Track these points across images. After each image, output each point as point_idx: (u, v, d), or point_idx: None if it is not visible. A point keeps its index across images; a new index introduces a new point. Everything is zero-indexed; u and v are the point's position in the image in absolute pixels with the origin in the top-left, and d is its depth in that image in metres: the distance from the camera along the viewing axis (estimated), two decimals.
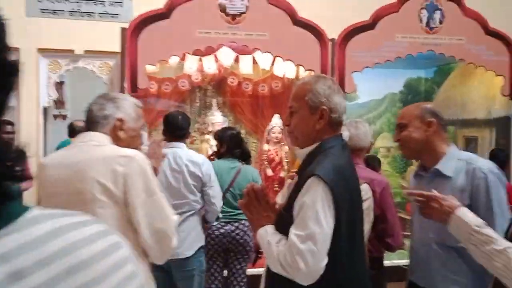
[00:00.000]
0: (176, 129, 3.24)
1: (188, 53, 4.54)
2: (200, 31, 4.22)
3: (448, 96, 6.08)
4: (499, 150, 4.84)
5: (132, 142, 1.84)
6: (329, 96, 1.60)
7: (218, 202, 3.25)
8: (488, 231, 1.52)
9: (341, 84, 4.60)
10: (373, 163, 4.75)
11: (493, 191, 1.84)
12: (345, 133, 2.11)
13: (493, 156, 4.53)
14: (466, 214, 1.60)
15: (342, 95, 1.67)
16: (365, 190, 2.07)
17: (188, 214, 3.20)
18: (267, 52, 4.54)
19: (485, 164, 1.89)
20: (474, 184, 1.85)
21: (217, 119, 5.43)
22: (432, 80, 6.44)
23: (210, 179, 3.21)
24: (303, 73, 5.18)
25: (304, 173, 1.55)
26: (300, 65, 4.65)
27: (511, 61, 4.95)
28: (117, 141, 1.79)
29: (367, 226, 1.98)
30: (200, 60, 5.27)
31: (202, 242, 3.29)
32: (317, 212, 1.44)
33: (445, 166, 1.92)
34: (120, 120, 1.81)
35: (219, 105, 5.81)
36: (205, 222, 3.45)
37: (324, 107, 1.59)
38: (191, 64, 5.26)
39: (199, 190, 3.23)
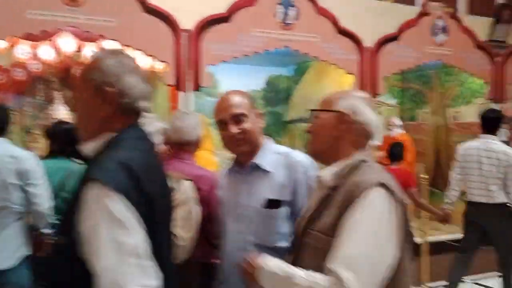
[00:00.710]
0: None
1: (18, 37, 3.95)
2: (32, 12, 3.68)
3: (305, 94, 6.21)
4: (394, 144, 4.80)
5: None
6: (119, 76, 1.28)
7: (42, 201, 2.79)
8: (294, 270, 1.37)
9: (197, 77, 4.38)
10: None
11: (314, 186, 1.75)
12: (156, 124, 1.86)
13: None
14: (269, 262, 1.44)
15: (140, 76, 1.34)
16: (185, 189, 1.83)
17: (8, 219, 2.72)
18: (114, 40, 4.13)
19: (303, 158, 1.79)
20: (295, 179, 1.74)
21: (62, 115, 4.86)
22: (292, 77, 6.54)
23: (33, 175, 2.77)
24: (159, 66, 4.86)
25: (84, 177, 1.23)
26: (152, 55, 4.31)
27: (360, 60, 5.16)
28: None
29: (185, 232, 1.74)
30: (35, 46, 4.65)
31: (25, 252, 2.82)
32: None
33: (264, 160, 1.78)
34: None
35: (65, 98, 5.22)
36: (33, 229, 2.97)
37: (110, 88, 1.28)
38: (23, 50, 4.61)
39: (23, 190, 2.77)
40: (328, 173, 1.49)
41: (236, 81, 6.22)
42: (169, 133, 2.08)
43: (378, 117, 1.54)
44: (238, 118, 1.78)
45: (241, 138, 1.77)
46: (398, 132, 6.73)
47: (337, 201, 1.39)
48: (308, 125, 1.58)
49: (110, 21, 4.04)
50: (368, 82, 5.20)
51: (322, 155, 1.54)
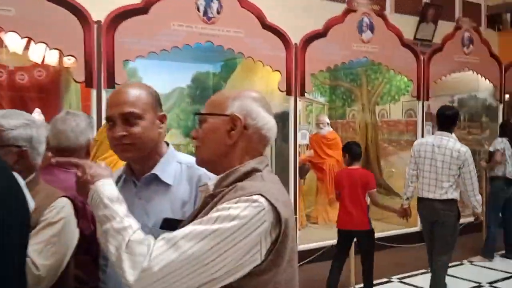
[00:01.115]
0: None
1: None
2: None
3: None
4: (354, 144, 4.50)
5: None
6: None
7: None
8: (118, 207, 1.21)
9: (111, 74, 4.03)
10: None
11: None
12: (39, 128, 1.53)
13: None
14: (105, 186, 1.26)
15: None
16: (58, 206, 1.51)
17: None
18: (12, 31, 3.70)
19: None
20: (196, 195, 1.47)
21: None
22: (219, 74, 6.30)
23: None
24: (68, 61, 4.45)
25: None
26: (57, 49, 3.91)
27: (287, 57, 5.00)
28: None
29: (42, 259, 1.42)
30: None
31: None
32: None
33: (165, 171, 1.50)
34: None
35: None
36: None
37: None
38: None
39: None
40: (214, 182, 1.27)
41: (161, 77, 5.90)
42: (48, 137, 1.75)
43: (273, 120, 1.32)
44: (128, 118, 1.45)
45: (128, 143, 1.46)
46: (327, 130, 6.68)
47: (210, 208, 1.18)
48: (194, 131, 1.35)
49: (7, 10, 3.61)
50: (295, 80, 5.06)
51: (212, 165, 1.31)
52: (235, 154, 1.28)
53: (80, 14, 3.90)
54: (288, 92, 5.05)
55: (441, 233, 3.83)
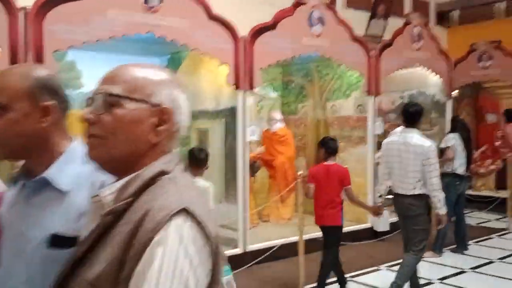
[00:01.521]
0: None
1: None
2: None
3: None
4: (330, 139, 4.40)
5: None
6: None
7: None
8: None
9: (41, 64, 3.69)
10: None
11: None
12: None
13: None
14: None
15: None
16: None
17: None
18: None
19: None
20: None
21: None
22: (166, 68, 5.99)
23: None
24: None
25: None
26: None
27: (235, 49, 4.79)
28: None
29: None
30: None
31: None
32: None
33: (60, 174, 1.25)
34: None
35: None
36: None
37: None
38: None
39: None
40: (110, 191, 1.02)
41: (103, 71, 5.51)
42: None
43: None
44: None
45: None
46: (278, 127, 6.53)
47: (120, 235, 0.93)
48: (89, 111, 1.02)
49: None
50: (243, 74, 4.86)
51: (119, 166, 1.04)
52: (153, 156, 1.04)
53: (4, 1, 3.54)
54: (237, 87, 4.85)
55: (412, 227, 3.92)
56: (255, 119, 6.74)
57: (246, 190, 4.94)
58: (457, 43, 9.00)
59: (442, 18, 9.85)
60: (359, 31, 6.03)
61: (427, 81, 7.31)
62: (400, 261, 3.97)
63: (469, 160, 5.56)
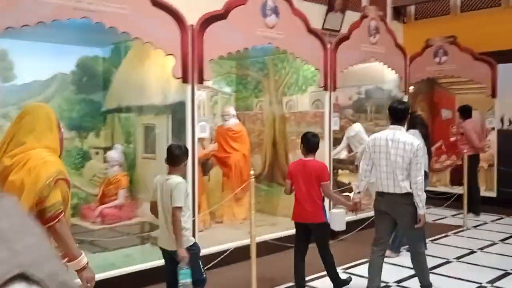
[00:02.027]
0: None
1: None
2: None
3: (126, 79, 5.32)
4: (311, 135, 4.27)
5: None
6: None
7: None
8: None
9: None
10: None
11: None
12: None
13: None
14: None
15: None
16: None
17: None
18: None
19: None
20: None
21: None
22: (109, 60, 5.57)
23: None
24: None
25: None
26: None
27: (182, 39, 4.44)
28: None
29: None
30: None
31: None
32: None
33: None
34: None
35: None
36: None
37: None
38: None
39: None
40: None
41: (39, 62, 5.08)
42: None
43: None
44: None
45: None
46: (233, 122, 6.23)
47: None
48: None
49: None
50: (192, 66, 4.52)
51: None
52: None
53: None
54: (185, 80, 4.50)
55: (405, 225, 3.91)
56: (209, 114, 6.42)
57: (194, 190, 4.60)
58: (413, 39, 8.94)
59: (399, 13, 9.80)
60: (316, 25, 5.80)
61: (384, 76, 7.18)
62: (358, 261, 3.86)
63: (429, 157, 5.46)
